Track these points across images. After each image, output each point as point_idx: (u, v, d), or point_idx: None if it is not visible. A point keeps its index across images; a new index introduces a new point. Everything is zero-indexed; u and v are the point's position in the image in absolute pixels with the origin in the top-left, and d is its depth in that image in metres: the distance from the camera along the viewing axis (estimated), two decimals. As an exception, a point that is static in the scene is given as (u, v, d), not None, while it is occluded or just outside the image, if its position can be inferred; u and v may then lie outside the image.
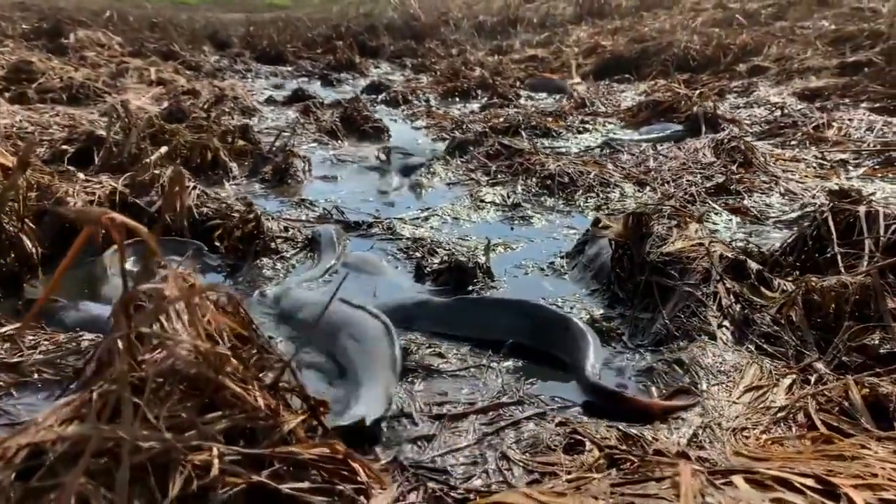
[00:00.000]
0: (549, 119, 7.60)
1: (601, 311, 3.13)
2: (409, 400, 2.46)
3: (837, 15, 12.26)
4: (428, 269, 3.59)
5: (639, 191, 5.01)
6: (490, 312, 2.97)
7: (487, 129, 6.70)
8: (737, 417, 2.11)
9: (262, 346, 1.58)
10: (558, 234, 4.33)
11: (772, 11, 13.63)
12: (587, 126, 7.44)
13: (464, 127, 7.19)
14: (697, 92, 7.73)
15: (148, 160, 4.07)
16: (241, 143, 6.00)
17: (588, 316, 3.06)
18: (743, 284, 2.78)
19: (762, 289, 2.76)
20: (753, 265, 2.88)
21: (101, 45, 13.79)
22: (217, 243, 3.83)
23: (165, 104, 7.63)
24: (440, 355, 2.76)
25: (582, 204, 4.90)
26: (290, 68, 13.98)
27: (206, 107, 7.55)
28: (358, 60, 14.03)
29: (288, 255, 3.87)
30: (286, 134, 6.09)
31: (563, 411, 2.33)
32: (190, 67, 11.79)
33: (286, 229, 4.04)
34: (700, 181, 4.84)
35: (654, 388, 2.42)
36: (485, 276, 3.47)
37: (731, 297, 2.71)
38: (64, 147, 5.36)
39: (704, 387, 2.31)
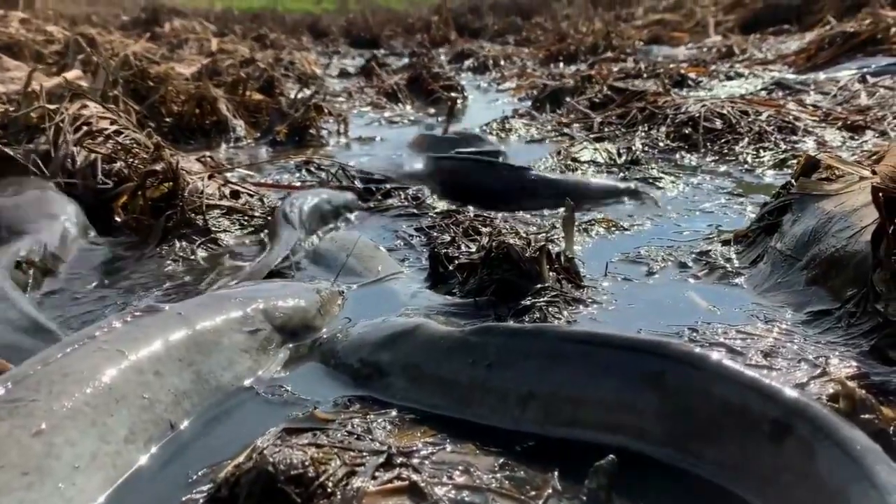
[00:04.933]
0: (685, 66, 5.56)
1: (854, 368, 1.22)
2: None
3: None
4: (455, 261, 1.81)
5: (853, 137, 2.95)
6: (562, 366, 1.16)
7: (594, 75, 4.80)
8: None
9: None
10: (711, 205, 2.42)
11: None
12: (740, 72, 5.31)
13: (562, 79, 5.32)
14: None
15: (33, 88, 2.59)
16: (256, 97, 4.50)
17: (823, 379, 1.16)
18: None
19: None
20: None
21: (194, 33, 13.26)
22: (120, 215, 2.27)
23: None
24: (411, 495, 1.00)
25: (749, 159, 2.92)
26: (381, 50, 12.76)
27: (259, 71, 6.14)
28: (453, 37, 12.51)
29: (227, 238, 2.24)
30: (309, 89, 4.53)
31: None
32: (266, 44, 10.73)
33: (234, 195, 2.41)
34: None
35: None
36: (562, 278, 1.65)
37: None
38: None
39: None
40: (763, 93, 4.28)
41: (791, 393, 0.95)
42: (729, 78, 5.17)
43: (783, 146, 2.98)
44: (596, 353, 1.15)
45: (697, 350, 1.08)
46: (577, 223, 2.18)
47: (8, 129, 2.52)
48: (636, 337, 1.14)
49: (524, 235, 1.71)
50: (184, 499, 1.03)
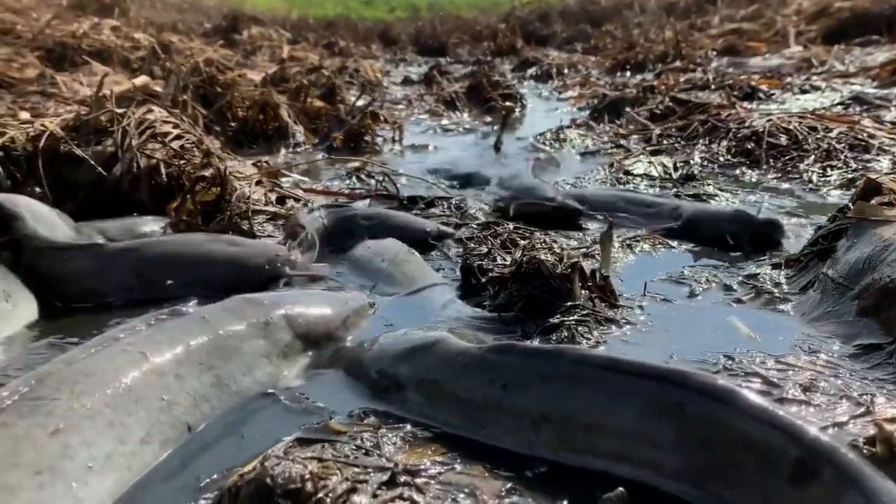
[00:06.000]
0: (757, 78, 5.34)
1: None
2: None
3: None
4: (489, 274, 1.78)
5: (932, 157, 2.76)
6: (579, 391, 1.12)
7: (657, 85, 4.67)
8: None
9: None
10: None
11: None
12: (816, 85, 5.05)
13: (623, 89, 5.20)
14: None
15: (105, 92, 2.73)
16: (317, 103, 4.60)
17: (866, 419, 1.07)
18: None
19: None
20: None
21: (269, 40, 13.69)
22: (171, 217, 2.35)
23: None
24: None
25: (814, 178, 2.76)
26: (447, 58, 12.86)
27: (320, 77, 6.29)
28: (520, 45, 12.45)
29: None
30: (369, 96, 4.60)
31: None
32: (335, 51, 11.00)
33: (280, 201, 2.46)
34: None
35: None
36: (595, 297, 1.60)
37: None
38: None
39: None
40: (839, 107, 4.05)
41: (817, 433, 0.88)
42: (803, 91, 4.92)
43: (853, 165, 2.81)
44: (614, 379, 1.10)
45: (720, 381, 1.02)
46: (621, 238, 2.12)
47: (80, 131, 2.65)
48: (656, 365, 1.09)
49: (557, 251, 1.67)
50: (191, 504, 1.05)
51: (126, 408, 1.12)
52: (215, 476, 1.11)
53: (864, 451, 0.96)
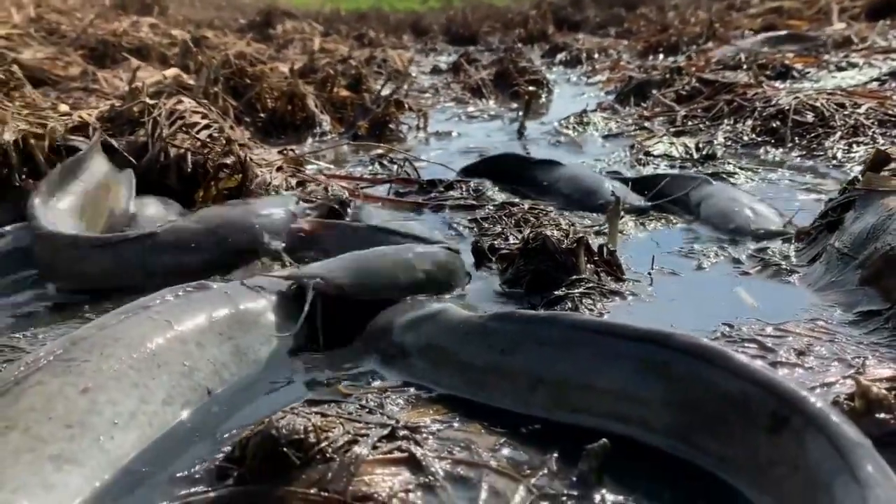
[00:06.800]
0: (791, 57, 5.23)
1: (892, 369, 1.14)
2: None
3: None
4: (500, 251, 1.83)
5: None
6: (570, 354, 1.17)
7: (685, 66, 4.63)
8: None
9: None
10: (782, 204, 2.28)
11: None
12: (853, 62, 4.92)
13: (651, 72, 5.15)
14: None
15: (137, 84, 2.85)
16: (343, 93, 4.69)
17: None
18: None
19: None
20: None
21: (302, 33, 13.85)
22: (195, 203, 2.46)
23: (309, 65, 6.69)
24: (409, 466, 1.05)
25: (839, 155, 2.73)
26: (478, 47, 12.81)
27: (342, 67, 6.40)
28: (551, 31, 12.34)
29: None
30: (393, 85, 4.66)
31: None
32: (365, 43, 11.10)
33: (301, 185, 2.55)
34: None
35: None
36: (601, 271, 1.64)
37: None
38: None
39: None
40: (875, 83, 3.96)
41: (789, 385, 0.92)
42: (840, 69, 4.80)
43: (881, 140, 2.76)
44: (604, 342, 1.14)
45: (704, 341, 1.05)
46: (636, 217, 2.15)
47: (114, 121, 2.79)
48: (644, 327, 1.13)
49: (564, 227, 1.71)
50: (207, 457, 1.13)
51: (150, 371, 1.22)
52: (232, 433, 1.20)
53: (845, 405, 0.99)
